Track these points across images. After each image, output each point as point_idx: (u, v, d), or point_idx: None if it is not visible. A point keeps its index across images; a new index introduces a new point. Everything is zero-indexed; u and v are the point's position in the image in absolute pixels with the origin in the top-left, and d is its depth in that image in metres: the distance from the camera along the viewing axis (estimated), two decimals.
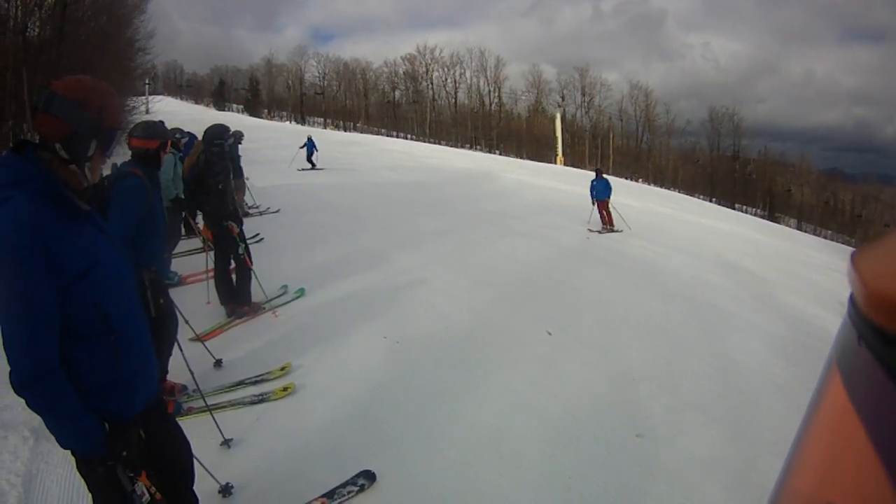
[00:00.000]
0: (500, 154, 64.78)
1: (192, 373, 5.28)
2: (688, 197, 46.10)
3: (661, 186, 58.14)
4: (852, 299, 0.74)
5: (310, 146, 28.19)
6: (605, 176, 20.16)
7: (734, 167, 64.64)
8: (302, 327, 7.73)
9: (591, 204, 19.88)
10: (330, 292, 9.04)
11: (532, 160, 58.79)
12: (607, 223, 19.02)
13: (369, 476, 4.57)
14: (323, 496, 4.31)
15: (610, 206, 19.41)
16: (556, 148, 64.87)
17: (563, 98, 70.67)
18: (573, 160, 64.09)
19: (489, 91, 73.70)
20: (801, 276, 16.72)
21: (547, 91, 72.23)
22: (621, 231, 18.53)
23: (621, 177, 57.83)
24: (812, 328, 10.69)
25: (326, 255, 11.12)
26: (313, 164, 28.10)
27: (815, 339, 9.92)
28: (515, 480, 4.78)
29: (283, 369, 6.38)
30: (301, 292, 8.87)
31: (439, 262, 11.24)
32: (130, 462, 2.69)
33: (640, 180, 60.17)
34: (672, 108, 68.87)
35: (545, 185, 30.29)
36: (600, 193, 19.56)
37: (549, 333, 8.11)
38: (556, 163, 60.34)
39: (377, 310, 8.45)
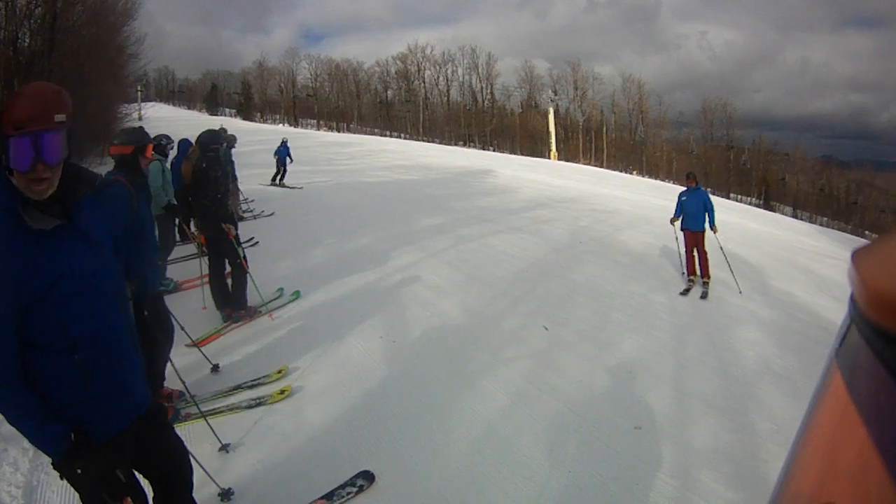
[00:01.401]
0: (495, 150, 64.77)
1: (183, 382, 5.28)
2: (682, 188, 45.94)
3: (655, 178, 58.23)
4: (853, 298, 0.73)
5: (283, 153, 21.74)
6: (699, 186, 12.05)
7: (728, 157, 64.73)
8: (298, 329, 7.74)
9: (674, 233, 12.17)
10: (326, 293, 9.04)
11: (527, 156, 58.99)
12: (698, 272, 11.37)
13: (368, 476, 4.56)
14: (322, 498, 4.31)
15: (706, 242, 11.36)
16: (549, 143, 64.95)
17: (555, 93, 70.71)
18: (567, 154, 64.28)
19: (481, 88, 73.77)
20: (796, 264, 16.69)
21: (539, 86, 72.26)
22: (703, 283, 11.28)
23: (616, 169, 58.05)
24: (809, 316, 10.68)
25: (321, 256, 11.14)
26: (278, 181, 21.73)
27: (812, 327, 9.92)
28: (515, 476, 4.79)
29: (279, 372, 6.39)
30: (297, 294, 8.86)
31: (435, 259, 11.25)
32: (112, 488, 2.67)
33: (635, 172, 60.35)
34: (666, 99, 68.96)
35: (540, 181, 30.32)
36: (691, 219, 11.49)
37: (546, 328, 8.12)
38: (550, 158, 60.43)
39: (373, 309, 8.45)
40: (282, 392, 5.93)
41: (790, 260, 17.38)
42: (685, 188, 11.93)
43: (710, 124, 66.61)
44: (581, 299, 9.64)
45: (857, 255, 0.74)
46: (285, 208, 16.12)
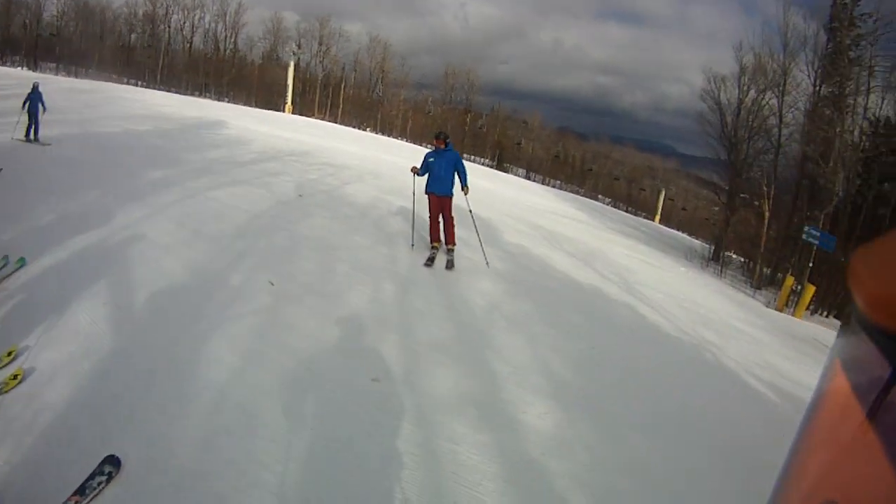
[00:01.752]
0: (230, 101, 62.80)
1: None
2: (415, 146, 47.01)
3: (388, 136, 59.31)
4: (854, 298, 0.73)
5: (34, 100, 18.07)
6: (450, 147, 10.59)
7: (465, 120, 66.96)
8: (25, 302, 6.85)
9: (412, 187, 11.00)
10: (52, 258, 8.10)
11: (262, 108, 57.79)
12: (442, 239, 10.48)
13: (114, 462, 4.15)
14: (75, 493, 3.87)
15: (453, 208, 10.49)
16: (286, 96, 64.05)
17: (299, 46, 69.58)
18: (302, 109, 63.71)
19: (226, 37, 70.92)
20: (526, 220, 17.65)
21: (284, 39, 70.57)
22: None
23: (350, 125, 58.45)
24: (537, 265, 11.43)
25: (48, 216, 9.98)
26: (33, 135, 17.62)
27: (543, 277, 10.54)
28: (258, 439, 4.58)
29: (10, 354, 5.62)
30: (22, 262, 7.92)
31: (161, 214, 10.47)
32: None
33: (369, 129, 61.21)
34: (410, 61, 70.03)
35: (273, 134, 29.66)
36: (438, 182, 10.35)
37: (272, 283, 7.87)
38: (285, 111, 59.74)
39: (100, 272, 7.67)
40: (14, 377, 5.26)
41: (521, 217, 18.28)
42: (433, 148, 10.71)
43: (452, 88, 68.59)
44: (307, 252, 9.51)
45: (856, 257, 0.75)
46: (11, 163, 14.53)
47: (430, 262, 10.08)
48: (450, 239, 10.36)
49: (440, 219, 10.44)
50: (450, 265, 10.05)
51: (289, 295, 7.60)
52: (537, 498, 4.61)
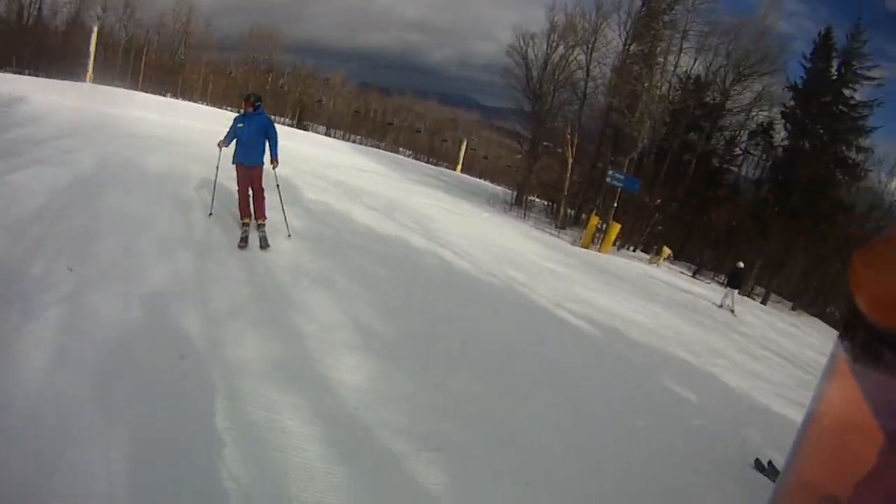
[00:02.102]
0: (31, 74, 58.35)
1: None
2: (218, 110, 45.70)
3: (190, 101, 57.23)
4: (855, 298, 0.73)
5: None
6: (261, 110, 9.66)
7: (267, 80, 65.63)
8: None
9: (217, 159, 9.75)
10: None
11: (65, 79, 54.14)
12: (252, 214, 9.40)
13: None
14: None
15: (264, 177, 9.56)
16: (87, 64, 60.28)
17: (104, 10, 65.44)
18: (104, 76, 60.29)
19: (30, 3, 65.35)
20: (326, 177, 17.55)
21: (91, 3, 66.24)
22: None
23: (153, 92, 55.87)
24: (338, 221, 11.66)
25: None
26: None
27: (341, 231, 10.70)
28: (80, 443, 4.25)
29: None
30: None
31: None
32: None
33: (169, 95, 58.78)
34: (216, 23, 67.61)
35: (71, 106, 27.52)
36: (245, 150, 9.28)
37: (71, 269, 7.34)
38: (86, 80, 56.22)
39: None
40: None
41: (321, 173, 18.15)
42: (241, 112, 9.62)
43: (255, 49, 66.94)
44: (105, 231, 8.71)
45: (856, 257, 0.75)
46: None
47: (244, 242, 9.07)
48: (259, 213, 9.37)
49: (250, 191, 9.39)
50: (264, 243, 9.14)
51: (89, 279, 7.01)
52: (360, 451, 4.71)
